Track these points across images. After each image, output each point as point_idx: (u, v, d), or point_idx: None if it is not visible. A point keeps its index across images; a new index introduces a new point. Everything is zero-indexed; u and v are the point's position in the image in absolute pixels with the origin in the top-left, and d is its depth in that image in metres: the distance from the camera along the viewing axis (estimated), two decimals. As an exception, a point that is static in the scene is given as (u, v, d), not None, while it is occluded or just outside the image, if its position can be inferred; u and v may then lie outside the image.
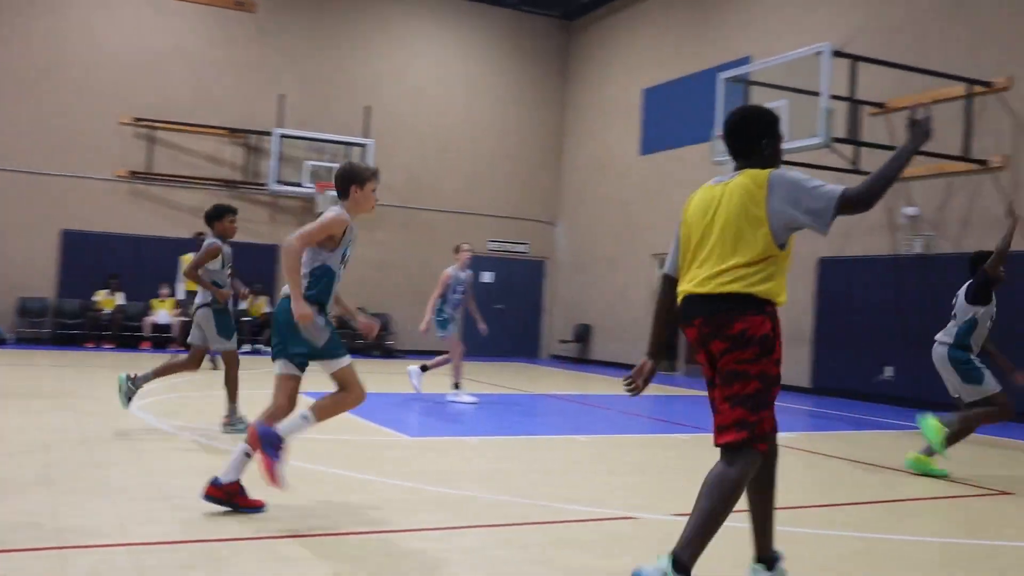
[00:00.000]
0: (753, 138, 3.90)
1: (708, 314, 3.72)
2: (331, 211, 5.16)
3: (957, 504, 6.41)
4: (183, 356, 8.10)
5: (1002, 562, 4.83)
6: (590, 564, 4.36)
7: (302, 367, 5.26)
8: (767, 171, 3.79)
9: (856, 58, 12.45)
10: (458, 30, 21.96)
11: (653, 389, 15.27)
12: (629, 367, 17.26)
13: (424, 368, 11.65)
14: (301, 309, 4.96)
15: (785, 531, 5.26)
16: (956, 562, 4.79)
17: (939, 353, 7.82)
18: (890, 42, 14.13)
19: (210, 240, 7.99)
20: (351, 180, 5.29)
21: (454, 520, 5.09)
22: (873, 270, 14.30)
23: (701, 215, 3.87)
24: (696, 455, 8.26)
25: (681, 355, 18.77)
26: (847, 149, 13.05)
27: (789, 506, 5.90)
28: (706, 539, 3.63)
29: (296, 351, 5.17)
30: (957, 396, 7.79)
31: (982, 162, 12.72)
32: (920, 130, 3.78)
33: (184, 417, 8.52)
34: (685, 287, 3.86)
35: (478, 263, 21.51)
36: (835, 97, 11.93)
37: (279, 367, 5.27)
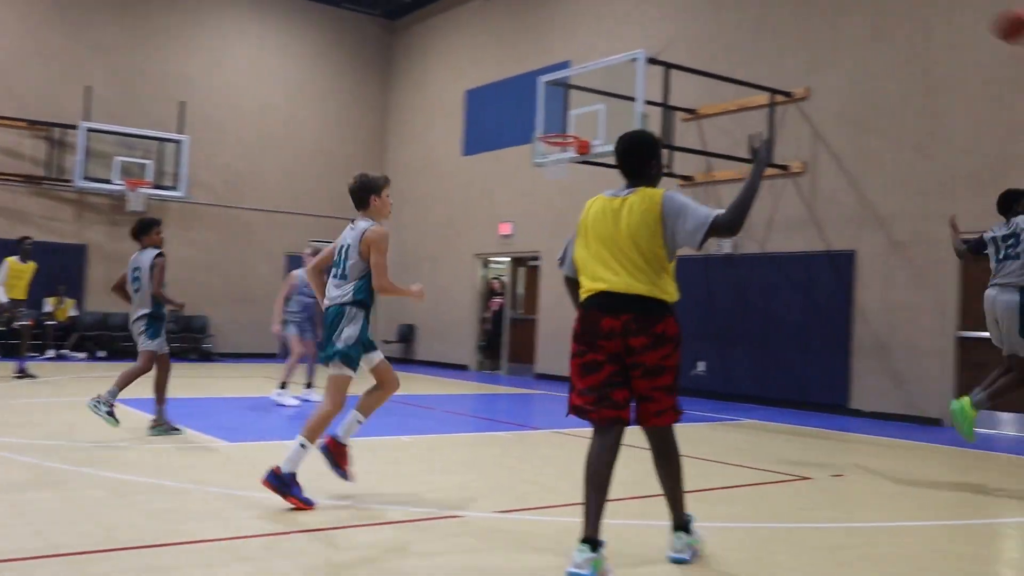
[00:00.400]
0: (645, 160, 4.55)
1: (637, 312, 4.32)
2: (373, 231, 5.68)
3: (761, 490, 6.78)
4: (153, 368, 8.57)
5: (799, 542, 5.15)
6: (415, 564, 4.37)
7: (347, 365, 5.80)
8: (660, 191, 4.41)
9: (669, 66, 12.97)
10: (277, 26, 21.47)
11: (476, 388, 15.43)
12: (454, 367, 17.22)
13: (284, 385, 11.30)
14: (415, 291, 5.90)
15: (604, 523, 5.43)
16: (763, 544, 5.07)
17: (1008, 300, 7.20)
18: (700, 52, 14.79)
19: (158, 253, 8.44)
20: (370, 191, 5.80)
21: (275, 527, 4.98)
22: (686, 269, 14.85)
23: (603, 223, 4.42)
24: (519, 452, 8.40)
25: (504, 355, 19.02)
26: (662, 153, 13.56)
27: (607, 499, 6.08)
28: (683, 498, 4.62)
29: (335, 351, 5.67)
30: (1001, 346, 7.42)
31: (784, 167, 13.49)
32: (762, 156, 4.49)
33: (-19, 428, 7.98)
34: (600, 285, 4.37)
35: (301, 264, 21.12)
36: (649, 103, 12.39)
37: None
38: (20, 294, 13.23)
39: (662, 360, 4.40)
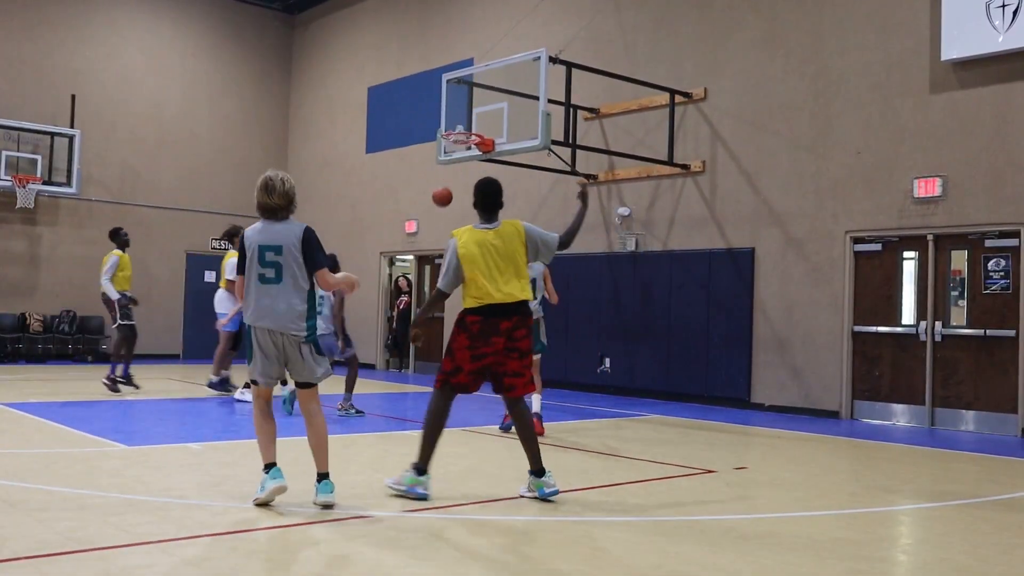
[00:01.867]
0: (500, 200, 6.19)
1: (522, 314, 6.02)
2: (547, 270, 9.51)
3: (668, 484, 6.90)
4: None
5: (705, 533, 5.25)
6: (324, 566, 4.31)
7: None
8: (520, 222, 6.14)
9: (571, 65, 13.07)
10: (173, 18, 20.89)
11: (384, 387, 15.32)
12: (360, 366, 17.27)
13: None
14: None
15: (514, 519, 5.46)
16: (668, 537, 5.15)
17: None
18: (602, 52, 14.95)
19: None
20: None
21: (177, 531, 4.86)
22: (591, 267, 15.09)
23: (484, 250, 5.96)
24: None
25: (411, 353, 18.93)
26: (564, 151, 13.68)
27: (518, 496, 6.11)
28: (539, 450, 6.09)
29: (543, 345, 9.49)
30: None
31: (685, 166, 13.74)
32: (585, 199, 6.62)
33: None
34: (497, 298, 5.91)
35: (205, 262, 20.66)
36: (552, 101, 12.46)
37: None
38: (128, 286, 12.47)
39: (530, 345, 6.11)
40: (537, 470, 5.99)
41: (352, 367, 10.81)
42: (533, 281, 9.05)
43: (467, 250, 5.97)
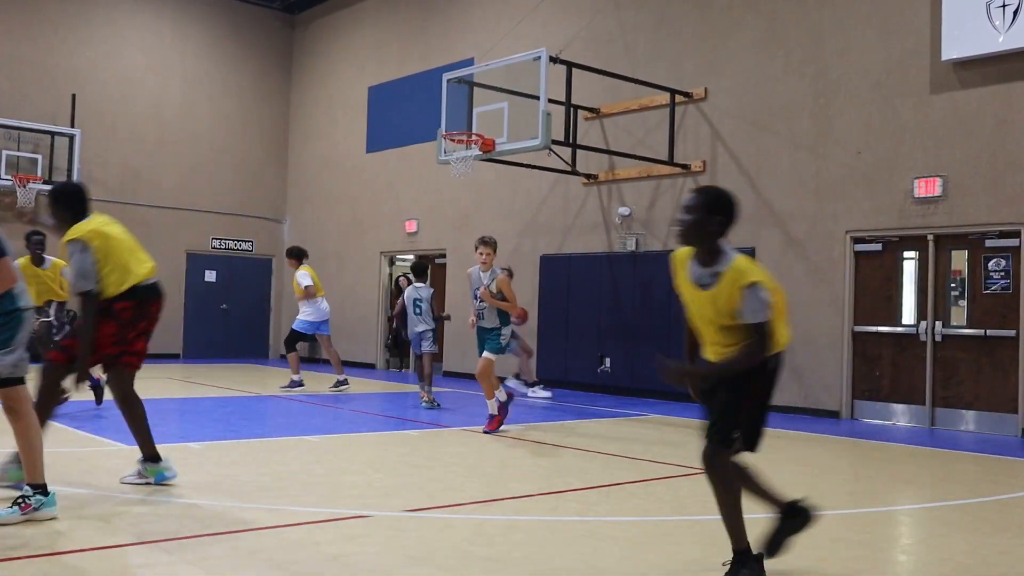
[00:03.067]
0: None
1: (161, 295, 6.14)
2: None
3: (667, 484, 6.90)
4: None
5: (705, 534, 5.25)
6: (324, 566, 4.32)
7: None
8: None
9: (571, 65, 13.08)
10: (173, 18, 20.88)
11: (383, 386, 15.32)
12: (359, 365, 17.19)
13: (523, 379, 13.74)
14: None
15: (515, 519, 5.46)
16: (669, 537, 5.15)
17: None
18: (603, 52, 14.96)
19: None
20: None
21: (177, 531, 4.86)
22: (591, 267, 15.08)
23: (126, 240, 6.06)
24: (427, 451, 8.37)
25: (411, 353, 18.91)
26: (565, 151, 13.69)
27: (518, 496, 6.12)
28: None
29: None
30: None
31: (685, 166, 13.74)
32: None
33: None
34: (141, 277, 5.95)
35: (205, 262, 20.68)
36: (552, 101, 12.47)
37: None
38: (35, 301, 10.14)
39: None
40: (152, 456, 6.05)
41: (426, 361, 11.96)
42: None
43: (104, 240, 5.85)
